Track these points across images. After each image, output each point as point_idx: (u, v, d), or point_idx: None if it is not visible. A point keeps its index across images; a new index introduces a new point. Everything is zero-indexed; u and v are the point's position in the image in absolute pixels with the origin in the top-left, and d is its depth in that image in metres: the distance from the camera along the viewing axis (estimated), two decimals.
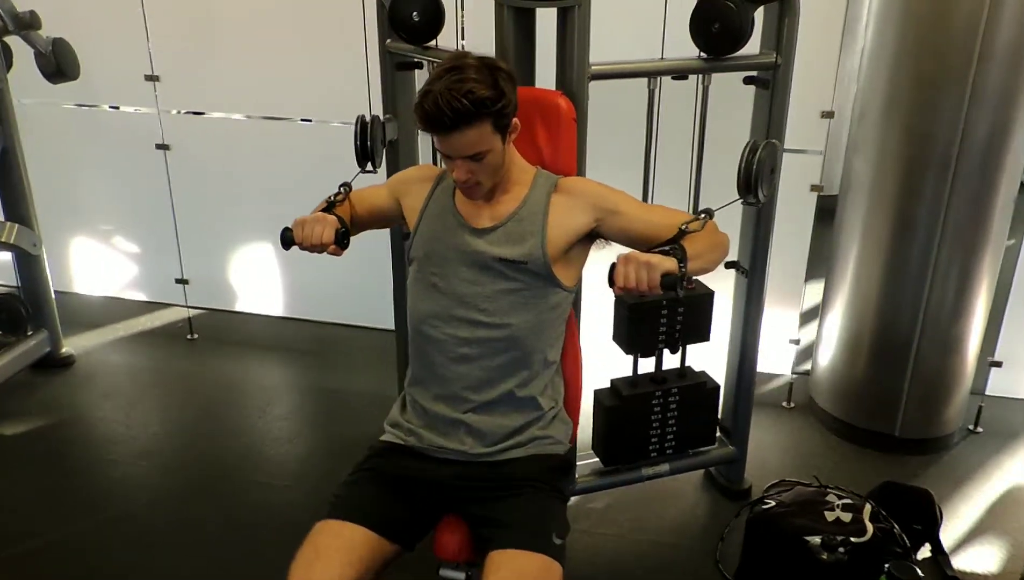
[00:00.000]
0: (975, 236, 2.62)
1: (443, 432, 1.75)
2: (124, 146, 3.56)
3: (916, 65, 2.51)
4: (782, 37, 2.12)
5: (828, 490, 2.39)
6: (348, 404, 3.20)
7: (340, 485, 1.73)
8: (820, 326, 3.07)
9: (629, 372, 2.42)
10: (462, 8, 2.27)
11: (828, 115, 2.77)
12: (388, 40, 2.43)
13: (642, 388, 2.42)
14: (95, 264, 3.87)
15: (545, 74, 2.09)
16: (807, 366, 3.24)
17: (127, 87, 3.43)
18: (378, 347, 3.48)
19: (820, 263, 3.11)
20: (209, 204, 3.58)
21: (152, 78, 3.37)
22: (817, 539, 2.16)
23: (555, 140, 1.88)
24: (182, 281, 3.69)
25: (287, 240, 1.64)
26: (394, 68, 2.47)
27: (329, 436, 3.00)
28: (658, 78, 2.13)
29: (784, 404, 3.16)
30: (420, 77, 2.54)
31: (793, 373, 3.20)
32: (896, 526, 2.24)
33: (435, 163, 2.52)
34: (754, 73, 2.22)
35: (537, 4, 1.94)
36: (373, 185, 1.94)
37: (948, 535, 2.47)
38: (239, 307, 3.78)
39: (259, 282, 3.71)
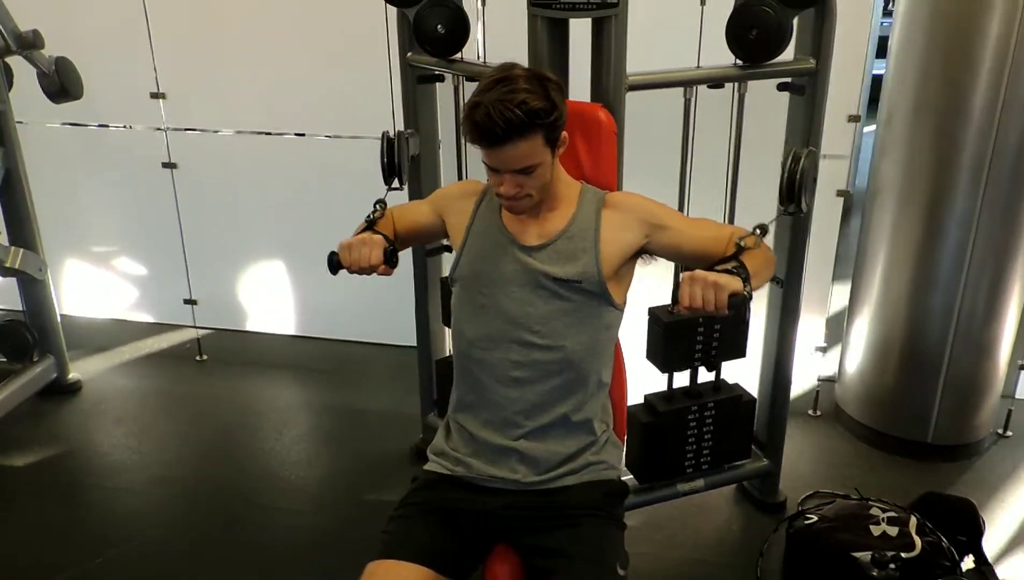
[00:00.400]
0: (1007, 240, 2.58)
1: (493, 460, 1.68)
2: (129, 165, 3.48)
3: (945, 68, 2.47)
4: (819, 42, 2.07)
5: (871, 503, 2.35)
6: (367, 424, 3.13)
7: (388, 521, 1.67)
8: (846, 332, 3.03)
9: (662, 385, 2.38)
10: (482, 19, 2.20)
11: (854, 119, 2.73)
12: (409, 53, 2.37)
13: (678, 403, 2.37)
14: (101, 286, 3.78)
15: (575, 85, 2.04)
16: (829, 372, 3.22)
17: (132, 105, 3.35)
18: (396, 364, 3.42)
19: (837, 265, 3.07)
20: (217, 222, 3.50)
21: (158, 95, 3.30)
22: (866, 555, 2.11)
23: (596, 153, 1.83)
24: (190, 301, 3.61)
25: (334, 264, 1.58)
26: (415, 81, 2.42)
27: (350, 457, 2.93)
28: (694, 87, 2.08)
29: (810, 412, 3.12)
30: (442, 90, 2.49)
31: (819, 380, 3.16)
32: (944, 539, 2.20)
33: (460, 179, 2.47)
34: (788, 79, 2.18)
35: (574, 14, 1.88)
36: (413, 202, 1.88)
37: (989, 544, 2.43)
38: (250, 326, 3.70)
39: (270, 301, 3.63)
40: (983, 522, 2.39)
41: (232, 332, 3.72)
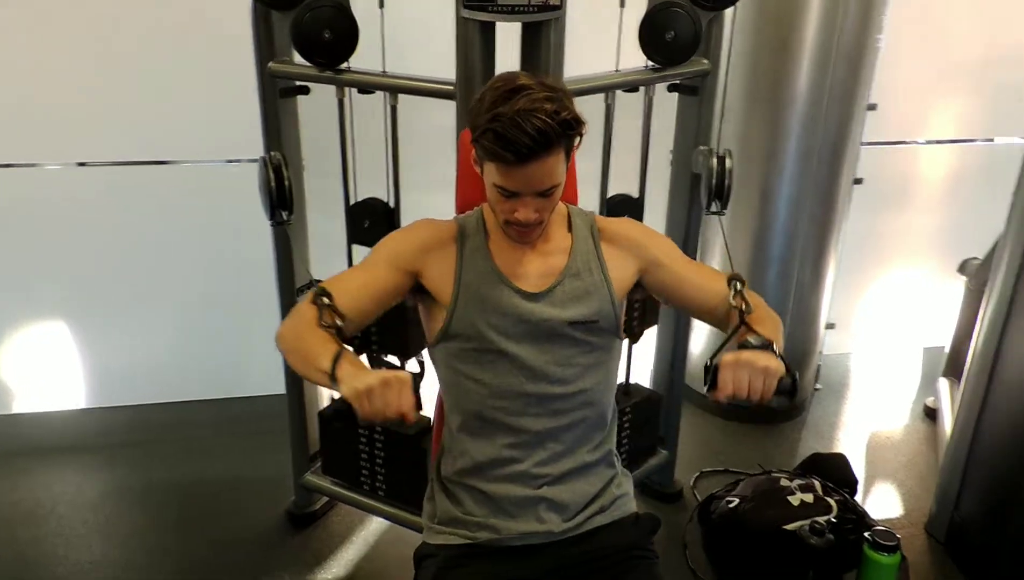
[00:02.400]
0: (827, 219, 2.89)
1: (515, 515, 1.50)
2: None
3: (774, 64, 2.68)
4: (710, 44, 2.12)
5: (774, 474, 2.50)
6: (217, 497, 2.65)
7: None
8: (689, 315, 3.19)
9: None
10: (382, 23, 1.94)
11: None
12: (271, 63, 2.02)
13: None
14: None
15: None
16: None
17: None
18: (224, 421, 3.00)
19: None
20: None
21: None
22: (803, 525, 2.23)
23: None
24: None
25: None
26: (277, 95, 2.07)
27: (213, 540, 2.45)
28: (614, 92, 2.02)
29: None
30: (303, 104, 2.16)
31: None
32: (846, 495, 2.41)
33: (348, 206, 2.18)
34: (677, 81, 2.20)
35: (512, 17, 1.72)
36: (355, 269, 1.54)
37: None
38: (17, 408, 2.95)
39: (42, 372, 2.93)
40: (854, 472, 2.67)
41: None
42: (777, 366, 1.31)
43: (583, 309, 1.48)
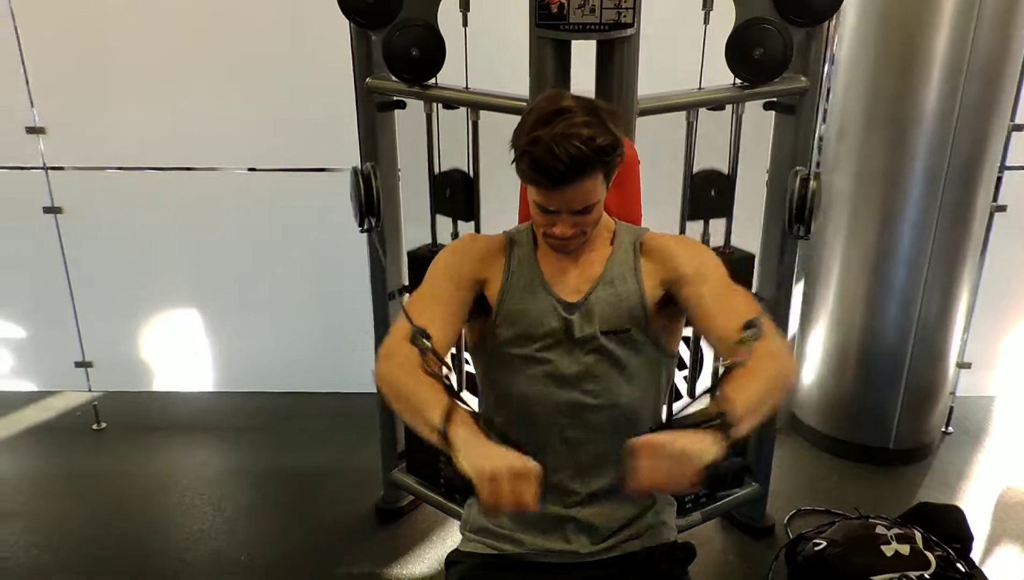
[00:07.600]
0: (959, 245, 2.66)
1: (544, 531, 1.51)
2: (2, 211, 2.99)
3: (899, 81, 2.50)
4: (809, 60, 2.02)
5: (871, 520, 2.33)
6: (316, 485, 2.81)
7: None
8: (799, 344, 3.04)
9: None
10: (465, 42, 2.01)
11: None
12: (368, 78, 2.14)
13: None
14: None
15: None
16: None
17: (3, 142, 2.87)
18: (333, 414, 3.16)
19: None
20: (114, 271, 3.08)
21: (35, 130, 2.84)
22: (891, 577, 2.08)
23: (621, 186, 1.68)
24: (83, 364, 3.16)
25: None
26: (375, 109, 2.19)
27: (305, 527, 2.61)
28: (697, 110, 1.98)
29: None
30: (400, 117, 2.27)
31: None
32: (951, 551, 2.21)
33: (433, 215, 2.26)
34: (774, 99, 2.12)
35: (584, 36, 1.73)
36: (429, 293, 1.51)
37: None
38: (157, 386, 3.28)
39: (180, 355, 3.23)
40: (970, 528, 2.44)
41: (134, 394, 3.28)
42: (699, 450, 1.13)
43: (614, 317, 1.46)
